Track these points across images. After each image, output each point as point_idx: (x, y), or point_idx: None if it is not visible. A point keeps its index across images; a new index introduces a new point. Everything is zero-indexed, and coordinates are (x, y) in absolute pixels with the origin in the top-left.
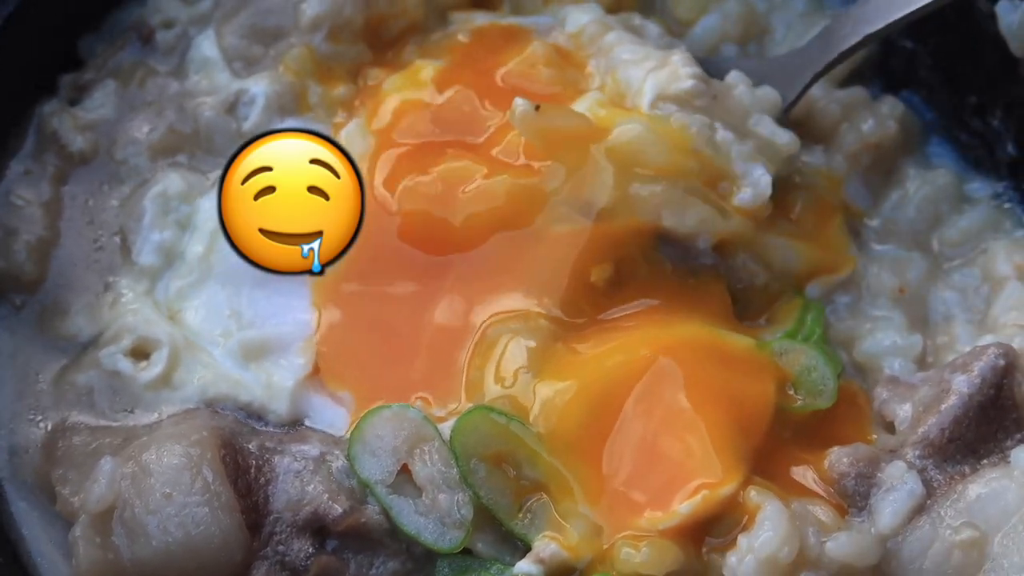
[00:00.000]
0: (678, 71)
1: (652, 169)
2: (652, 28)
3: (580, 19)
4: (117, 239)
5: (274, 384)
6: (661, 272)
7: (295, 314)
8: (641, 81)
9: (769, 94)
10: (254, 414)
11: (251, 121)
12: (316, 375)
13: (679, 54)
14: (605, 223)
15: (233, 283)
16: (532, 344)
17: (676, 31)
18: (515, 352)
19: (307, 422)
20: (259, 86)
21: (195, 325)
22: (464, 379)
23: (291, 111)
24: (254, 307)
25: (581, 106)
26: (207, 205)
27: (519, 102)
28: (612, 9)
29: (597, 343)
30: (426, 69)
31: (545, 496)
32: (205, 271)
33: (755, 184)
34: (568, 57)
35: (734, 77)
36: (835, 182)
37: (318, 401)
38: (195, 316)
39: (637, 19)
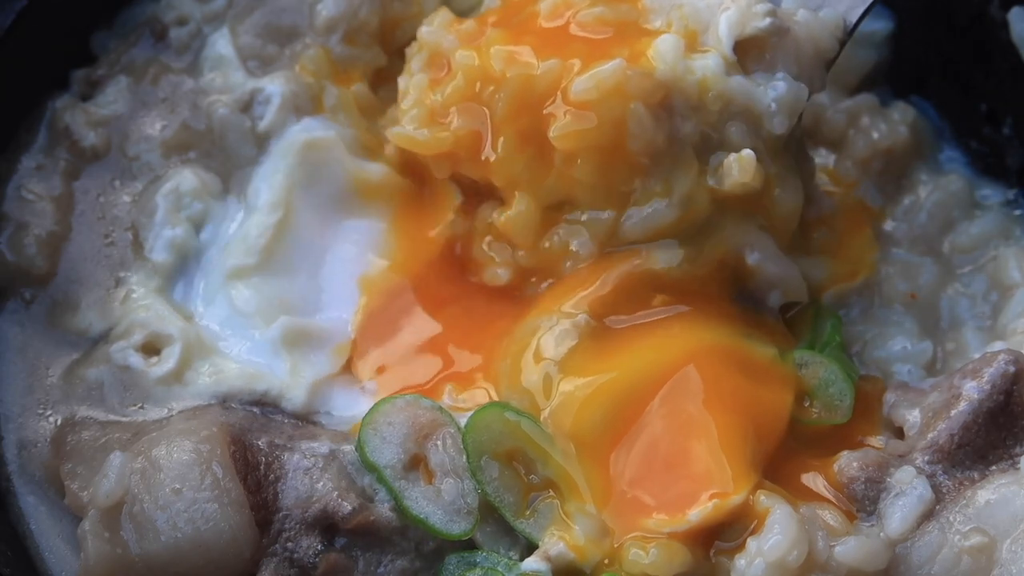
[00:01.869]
0: (752, 8)
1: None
2: None
3: None
4: (129, 235)
5: (298, 374)
6: (721, 307)
7: (341, 312)
8: (711, 18)
9: (833, 18)
10: (269, 403)
11: (266, 120)
12: (342, 371)
13: None
14: (691, 264)
15: (289, 273)
16: (566, 340)
17: None
18: (549, 345)
19: (320, 418)
20: (275, 85)
21: (241, 305)
22: (493, 370)
23: (307, 112)
24: (305, 299)
25: (666, 52)
26: (264, 187)
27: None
28: None
29: (625, 344)
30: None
31: (553, 495)
32: (266, 256)
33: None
34: None
35: (790, 1)
36: (848, 187)
37: (337, 394)
38: (242, 296)
39: None
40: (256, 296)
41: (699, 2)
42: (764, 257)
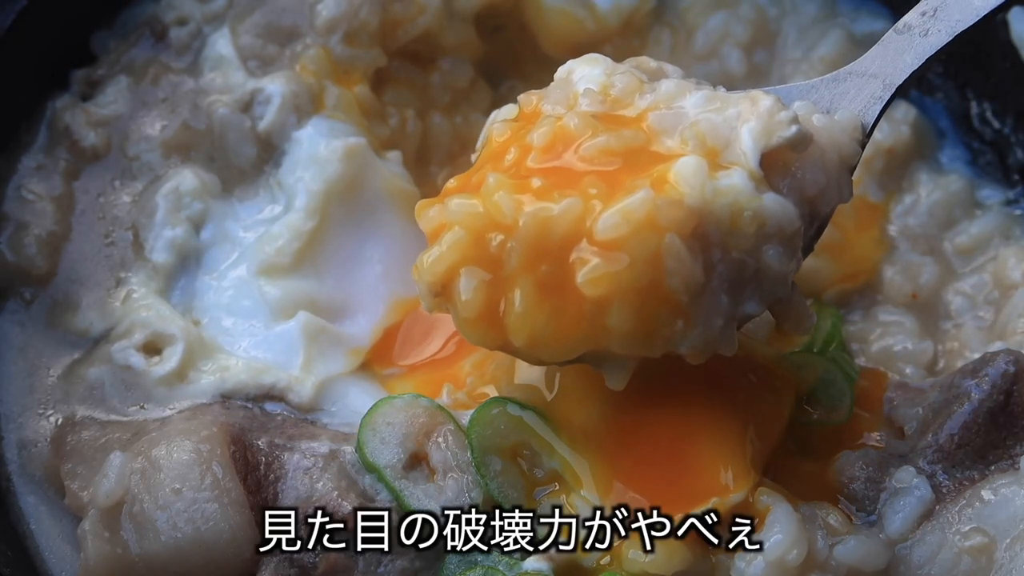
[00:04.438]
0: (775, 117)
1: None
2: (671, 69)
3: (592, 74)
4: (129, 235)
5: (310, 369)
6: None
7: (365, 320)
8: (731, 133)
9: (851, 120)
10: (276, 396)
11: (267, 120)
12: (355, 371)
13: (766, 98)
14: None
15: (318, 277)
16: None
17: (686, 39)
18: None
19: (324, 414)
20: (275, 85)
21: (265, 300)
22: (495, 365)
23: (308, 112)
24: (331, 303)
25: (690, 175)
26: (301, 189)
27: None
28: (623, 33)
29: None
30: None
31: (558, 488)
32: (299, 259)
33: None
34: (613, 119)
35: (802, 108)
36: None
37: (346, 391)
38: (269, 292)
39: (652, 63)
40: (281, 293)
41: (715, 116)
42: None
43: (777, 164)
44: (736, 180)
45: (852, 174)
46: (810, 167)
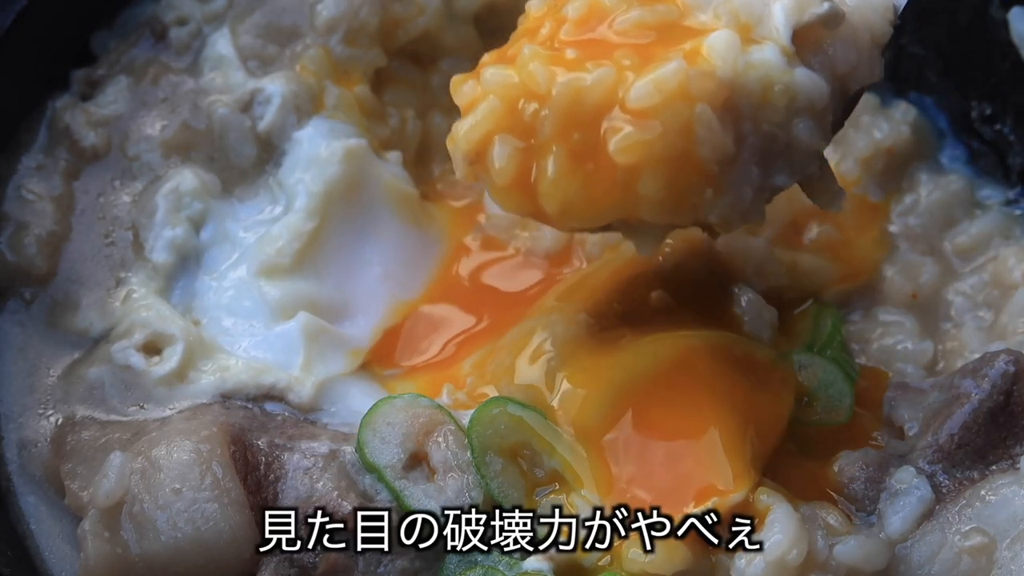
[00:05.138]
0: None
1: None
2: None
3: None
4: (129, 235)
5: (310, 370)
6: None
7: (364, 322)
8: (764, 9)
9: (882, 0)
10: (276, 396)
11: (267, 120)
12: (355, 371)
13: None
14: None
15: (318, 276)
16: (566, 335)
17: None
18: (549, 342)
19: (324, 414)
20: (275, 85)
21: (265, 300)
22: (495, 365)
23: (307, 112)
24: (331, 304)
25: (722, 48)
26: (302, 190)
27: None
28: None
29: (626, 341)
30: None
31: (558, 488)
32: (299, 259)
33: None
34: None
35: None
36: (848, 185)
37: (346, 391)
38: (269, 293)
39: None
40: (281, 294)
41: None
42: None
43: (809, 41)
44: (768, 54)
45: (883, 54)
46: (841, 45)
